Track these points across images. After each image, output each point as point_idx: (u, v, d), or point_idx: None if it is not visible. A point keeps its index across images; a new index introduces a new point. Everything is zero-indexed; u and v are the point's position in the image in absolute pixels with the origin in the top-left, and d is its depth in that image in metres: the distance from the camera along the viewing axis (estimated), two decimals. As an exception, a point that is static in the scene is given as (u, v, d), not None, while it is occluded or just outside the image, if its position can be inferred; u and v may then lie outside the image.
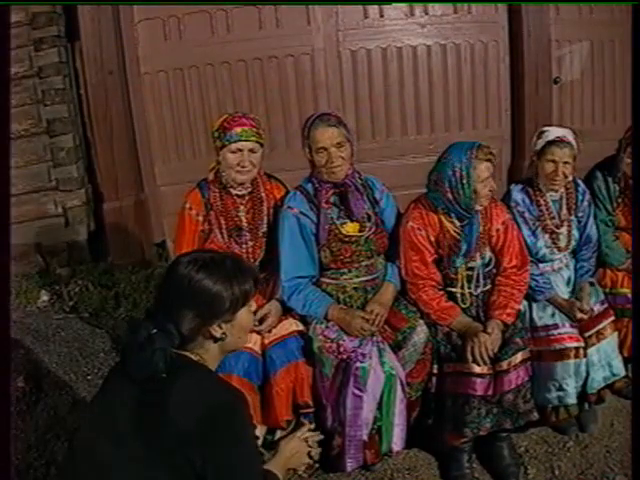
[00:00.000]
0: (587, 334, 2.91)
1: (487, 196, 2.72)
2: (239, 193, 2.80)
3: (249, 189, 2.82)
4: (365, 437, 2.57)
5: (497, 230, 2.85)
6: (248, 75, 4.44)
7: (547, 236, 3.03)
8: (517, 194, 3.05)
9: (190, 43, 4.36)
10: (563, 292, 3.03)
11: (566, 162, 2.93)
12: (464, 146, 2.69)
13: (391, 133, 4.68)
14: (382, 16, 4.46)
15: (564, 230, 3.05)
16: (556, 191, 3.04)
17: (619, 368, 2.96)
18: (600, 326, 2.95)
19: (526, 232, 2.98)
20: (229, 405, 1.63)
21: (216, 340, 1.70)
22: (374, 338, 2.64)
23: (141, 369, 1.59)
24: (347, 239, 2.73)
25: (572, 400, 2.81)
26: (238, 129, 2.67)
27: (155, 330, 1.63)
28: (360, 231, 2.75)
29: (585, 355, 2.84)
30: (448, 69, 4.59)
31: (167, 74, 4.43)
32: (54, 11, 4.19)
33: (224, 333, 1.69)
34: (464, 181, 2.63)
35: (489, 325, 2.68)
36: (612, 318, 3.00)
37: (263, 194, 2.85)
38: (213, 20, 4.34)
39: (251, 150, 2.70)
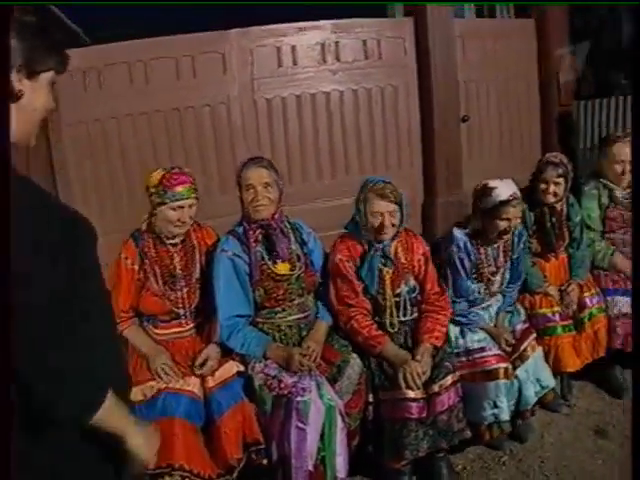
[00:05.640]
0: (513, 357, 3.10)
1: (385, 229, 2.90)
2: (173, 242, 2.87)
3: (182, 237, 2.89)
4: (311, 467, 2.61)
5: (418, 260, 3.06)
6: (167, 125, 4.42)
7: (482, 283, 3.18)
8: (460, 240, 3.13)
9: (109, 94, 4.28)
10: (487, 322, 3.21)
11: (517, 217, 3.05)
12: (366, 181, 2.98)
13: (307, 177, 4.71)
14: (295, 64, 4.56)
15: (498, 277, 3.22)
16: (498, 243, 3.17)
17: (548, 380, 3.18)
18: (522, 347, 3.15)
19: (462, 276, 3.13)
20: None
21: (14, 97, 1.39)
22: (312, 373, 2.73)
23: None
24: (279, 278, 2.85)
25: (506, 417, 2.96)
26: (179, 188, 2.74)
27: None
28: (291, 270, 2.88)
29: (515, 376, 3.03)
30: (360, 113, 4.71)
31: (87, 125, 4.32)
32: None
33: (21, 90, 1.40)
34: (361, 213, 2.92)
35: (419, 351, 2.83)
36: (533, 336, 3.22)
37: (195, 242, 2.94)
38: (132, 70, 4.30)
39: (190, 205, 2.79)
